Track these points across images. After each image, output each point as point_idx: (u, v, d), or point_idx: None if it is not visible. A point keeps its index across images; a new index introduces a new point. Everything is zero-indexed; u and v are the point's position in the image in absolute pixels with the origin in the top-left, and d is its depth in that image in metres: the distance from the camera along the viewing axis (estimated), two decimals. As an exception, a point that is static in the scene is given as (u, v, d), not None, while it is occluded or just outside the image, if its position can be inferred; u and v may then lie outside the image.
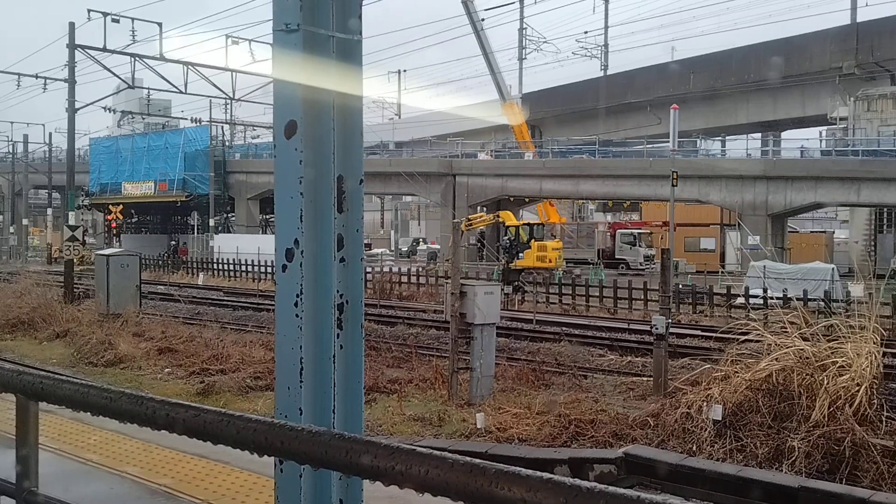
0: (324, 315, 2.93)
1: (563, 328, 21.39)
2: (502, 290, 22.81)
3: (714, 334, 17.66)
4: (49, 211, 66.83)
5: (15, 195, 74.76)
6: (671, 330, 14.57)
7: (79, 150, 55.15)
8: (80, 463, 5.90)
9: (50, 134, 66.60)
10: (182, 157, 59.08)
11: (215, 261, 46.34)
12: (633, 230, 53.17)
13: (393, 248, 66.41)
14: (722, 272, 42.00)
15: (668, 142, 39.30)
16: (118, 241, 59.55)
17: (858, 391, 9.18)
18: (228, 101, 45.00)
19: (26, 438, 2.54)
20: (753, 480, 8.08)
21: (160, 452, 6.11)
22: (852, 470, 8.73)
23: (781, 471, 8.74)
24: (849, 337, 10.10)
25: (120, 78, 33.35)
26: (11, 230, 74.10)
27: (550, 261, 36.72)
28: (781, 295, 22.36)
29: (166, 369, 16.40)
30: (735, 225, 46.15)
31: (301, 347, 2.83)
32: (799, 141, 53.73)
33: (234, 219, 62.52)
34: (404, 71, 54.13)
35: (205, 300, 29.94)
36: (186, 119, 49.21)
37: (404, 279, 34.08)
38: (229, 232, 57.73)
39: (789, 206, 42.99)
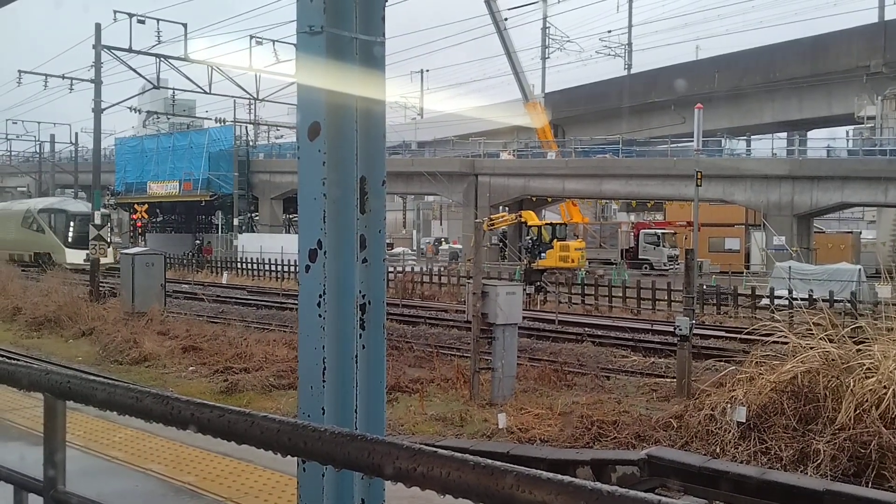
0: (346, 315, 2.94)
1: (586, 329, 21.32)
2: (524, 290, 22.76)
3: (738, 336, 17.52)
4: (75, 210, 67.44)
5: (42, 194, 75.72)
6: (695, 331, 14.48)
7: (104, 149, 55.76)
8: (106, 460, 5.97)
9: (76, 134, 67.45)
10: (206, 156, 59.50)
11: (239, 260, 46.67)
12: (657, 230, 52.86)
13: (415, 248, 66.48)
14: (746, 273, 41.64)
15: (693, 141, 38.99)
16: (143, 240, 60.11)
17: (886, 394, 9.06)
18: (252, 102, 45.25)
19: (54, 437, 2.57)
20: (778, 483, 8.00)
21: (185, 450, 6.17)
22: (879, 473, 8.63)
23: (806, 474, 8.66)
24: (876, 339, 9.98)
25: (145, 78, 33.63)
26: (38, 229, 74.90)
27: (573, 261, 36.61)
28: (807, 296, 22.15)
29: (190, 367, 16.53)
30: (760, 225, 45.74)
31: (324, 347, 2.85)
32: (825, 140, 53.10)
33: (257, 218, 62.89)
34: (427, 71, 54.02)
35: (229, 299, 30.13)
36: (211, 119, 49.56)
37: (426, 279, 34.12)
38: (253, 231, 58.08)
39: (815, 206, 42.52)
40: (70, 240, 44.97)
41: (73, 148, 69.35)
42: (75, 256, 41.81)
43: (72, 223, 45.74)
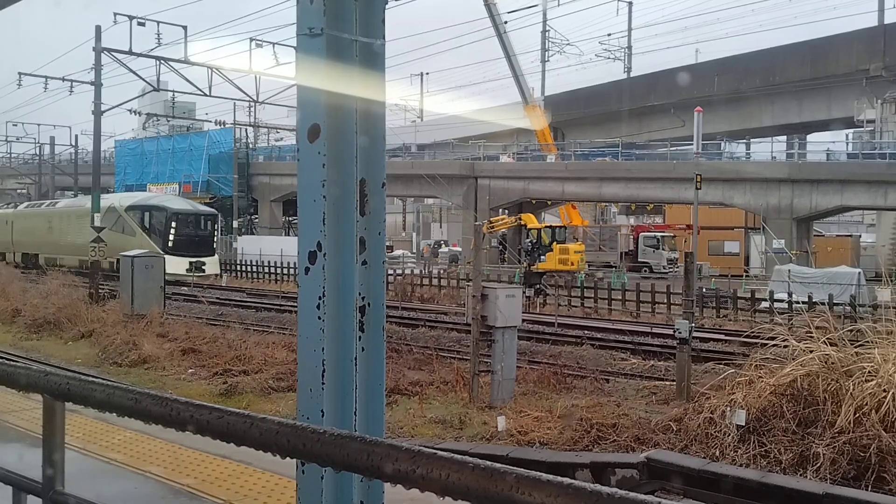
0: (346, 317, 2.94)
1: (585, 331, 21.30)
2: (524, 292, 22.76)
3: (738, 339, 17.52)
4: (75, 212, 67.40)
5: (41, 196, 75.70)
6: (694, 334, 14.47)
7: (104, 152, 55.68)
8: (105, 462, 5.96)
9: (76, 136, 67.55)
10: (206, 159, 59.54)
11: (238, 262, 46.66)
12: (657, 233, 52.88)
13: (414, 250, 66.49)
14: (746, 276, 41.67)
15: (692, 144, 39.03)
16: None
17: (885, 397, 9.05)
18: (252, 104, 45.27)
19: (53, 438, 2.57)
20: (777, 487, 8.00)
21: (183, 453, 6.16)
22: (879, 476, 8.62)
23: (806, 477, 8.65)
24: (876, 342, 9.97)
25: (145, 81, 33.60)
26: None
27: (572, 264, 36.61)
28: (806, 299, 22.15)
29: (190, 370, 16.52)
30: (759, 228, 45.78)
31: (323, 350, 2.85)
32: (825, 144, 53.15)
33: (257, 220, 62.90)
34: (427, 74, 53.99)
35: (228, 301, 30.12)
36: (210, 121, 49.50)
37: (426, 281, 34.12)
38: (252, 233, 58.11)
39: (815, 209, 42.56)
40: (171, 244, 38.29)
41: (72, 150, 69.34)
42: (177, 265, 35.28)
43: (173, 223, 39.53)
